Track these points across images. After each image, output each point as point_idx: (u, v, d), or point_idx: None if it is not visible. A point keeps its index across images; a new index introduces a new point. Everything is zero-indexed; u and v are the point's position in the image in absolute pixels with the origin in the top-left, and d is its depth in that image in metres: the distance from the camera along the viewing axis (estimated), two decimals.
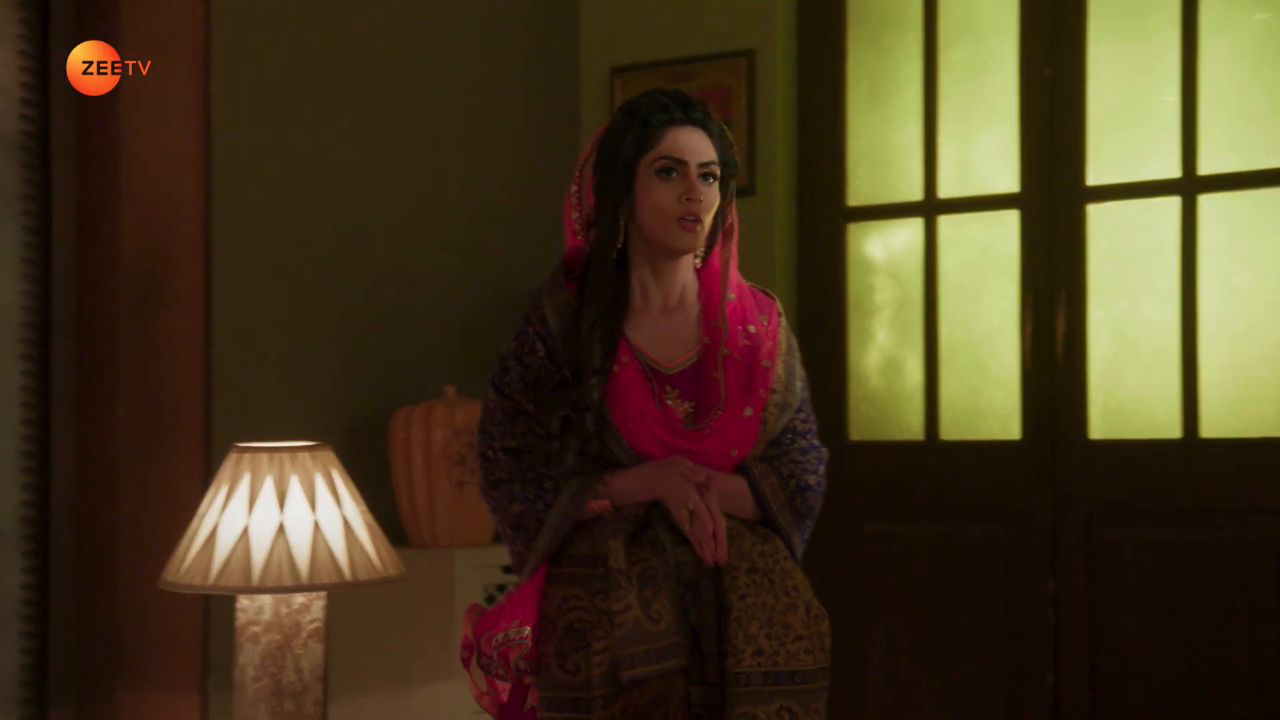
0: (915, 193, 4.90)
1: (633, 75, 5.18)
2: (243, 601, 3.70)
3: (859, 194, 4.96)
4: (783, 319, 3.02)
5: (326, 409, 4.53)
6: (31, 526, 4.10)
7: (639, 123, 2.90)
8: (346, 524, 3.71)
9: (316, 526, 3.67)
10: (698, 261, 3.02)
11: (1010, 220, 4.73)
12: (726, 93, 5.02)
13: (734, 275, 2.98)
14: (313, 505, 3.68)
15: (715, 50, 5.06)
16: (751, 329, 2.94)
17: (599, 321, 2.86)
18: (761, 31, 5.01)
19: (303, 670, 3.69)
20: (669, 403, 2.87)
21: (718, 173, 2.91)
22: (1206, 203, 4.48)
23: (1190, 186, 4.49)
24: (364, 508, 3.79)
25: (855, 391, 4.97)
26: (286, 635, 3.68)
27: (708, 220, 2.90)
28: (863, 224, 4.97)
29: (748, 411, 2.89)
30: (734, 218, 3.00)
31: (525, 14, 5.17)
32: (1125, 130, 4.62)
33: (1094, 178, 4.63)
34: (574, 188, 2.98)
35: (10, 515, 4.07)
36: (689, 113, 2.92)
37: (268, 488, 3.66)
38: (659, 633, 2.73)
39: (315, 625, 3.72)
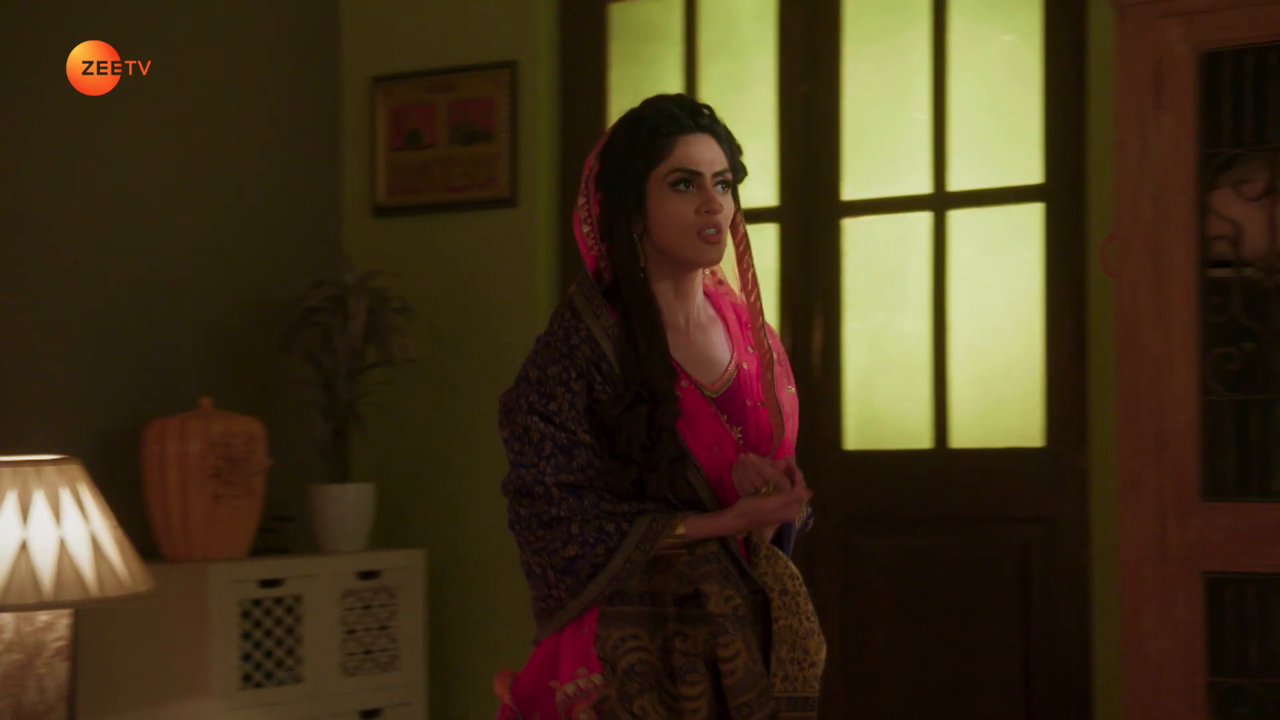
0: None
1: (394, 84, 5.15)
2: None
3: None
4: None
5: (74, 421, 4.43)
6: None
7: (646, 133, 2.72)
8: (94, 539, 3.64)
9: (62, 542, 3.59)
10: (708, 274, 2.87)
11: (769, 233, 4.80)
12: (489, 104, 5.02)
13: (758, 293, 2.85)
14: (58, 520, 3.61)
15: (477, 61, 5.05)
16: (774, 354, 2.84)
17: (652, 343, 2.69)
18: (524, 43, 5.01)
19: (46, 690, 3.61)
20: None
21: (730, 179, 2.76)
22: (955, 218, 4.59)
23: (940, 202, 4.60)
24: (113, 522, 3.73)
25: None
26: (29, 654, 3.60)
27: (728, 231, 2.74)
28: None
29: (793, 438, 2.80)
30: (744, 227, 2.84)
31: (285, 21, 5.11)
32: (879, 146, 4.73)
33: (849, 192, 4.73)
34: (581, 200, 2.78)
35: None
36: (697, 119, 2.73)
37: (10, 503, 3.59)
38: (761, 673, 2.65)
39: (60, 644, 3.64)
